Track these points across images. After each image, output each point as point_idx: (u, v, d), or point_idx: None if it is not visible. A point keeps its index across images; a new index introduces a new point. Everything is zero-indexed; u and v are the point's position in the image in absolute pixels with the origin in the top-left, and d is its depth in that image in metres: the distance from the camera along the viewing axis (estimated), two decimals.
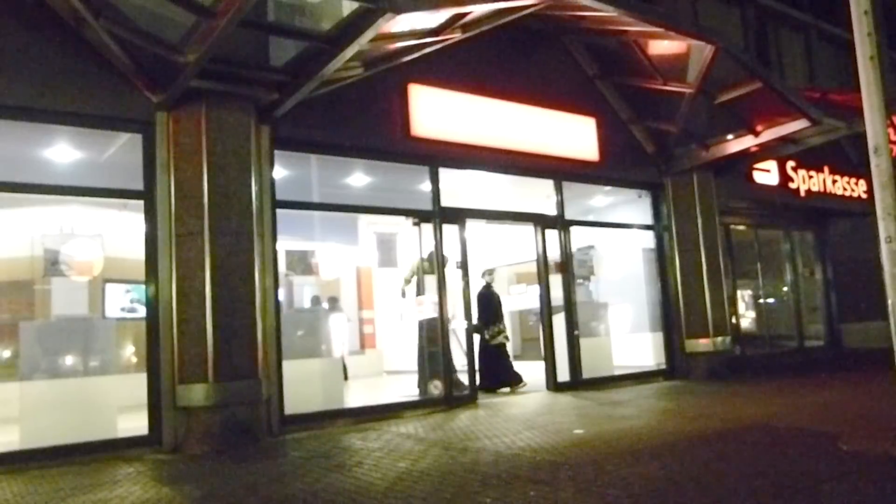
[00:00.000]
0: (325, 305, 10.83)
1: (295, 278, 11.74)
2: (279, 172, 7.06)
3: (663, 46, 8.57)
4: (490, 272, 9.99)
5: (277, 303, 6.79)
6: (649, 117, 10.04)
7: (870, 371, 9.58)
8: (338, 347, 10.12)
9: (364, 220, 11.65)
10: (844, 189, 13.33)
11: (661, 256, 10.66)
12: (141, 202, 6.30)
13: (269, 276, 6.58)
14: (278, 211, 6.89)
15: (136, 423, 6.08)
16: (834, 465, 4.45)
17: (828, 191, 13.04)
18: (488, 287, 9.85)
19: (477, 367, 8.72)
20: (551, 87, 9.33)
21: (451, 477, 4.49)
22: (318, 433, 6.57)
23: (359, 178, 8.58)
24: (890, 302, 4.92)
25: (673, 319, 10.43)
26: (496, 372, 9.30)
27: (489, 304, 9.66)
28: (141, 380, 6.12)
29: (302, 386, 6.94)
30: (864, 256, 12.31)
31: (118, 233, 6.90)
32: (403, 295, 9.42)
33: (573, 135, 9.43)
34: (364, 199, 8.66)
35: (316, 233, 10.10)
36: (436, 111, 8.07)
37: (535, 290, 9.49)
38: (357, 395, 9.03)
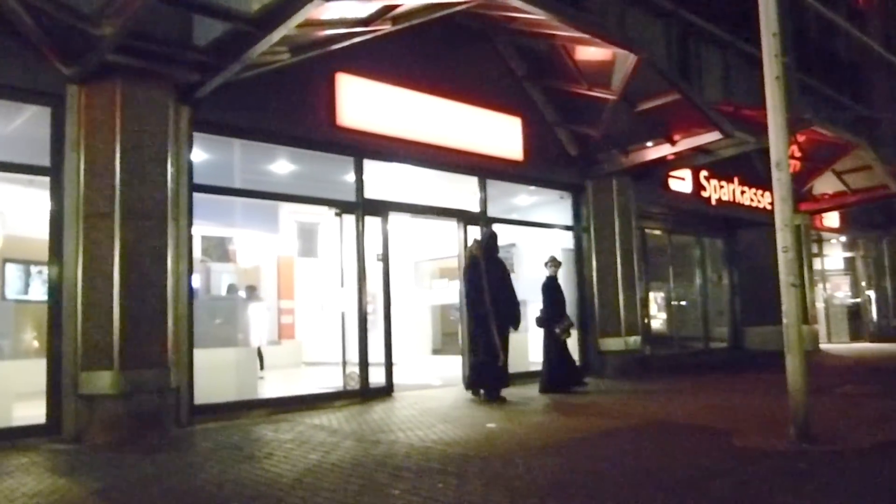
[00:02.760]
0: (243, 294, 10.58)
1: (212, 265, 11.46)
2: (198, 155, 6.85)
3: (590, 53, 8.80)
4: (555, 261, 9.06)
5: (191, 289, 6.60)
6: (574, 120, 10.29)
7: (766, 371, 10.15)
8: (255, 337, 9.93)
9: (286, 208, 11.44)
10: (752, 200, 14.06)
11: (580, 257, 10.96)
12: (47, 179, 6.00)
13: (182, 261, 6.37)
14: (196, 195, 6.69)
15: (34, 412, 5.80)
16: (727, 459, 4.72)
17: (737, 201, 13.72)
18: (555, 277, 8.98)
19: (550, 364, 8.75)
20: (479, 85, 9.42)
21: (361, 469, 4.50)
22: (229, 424, 6.43)
23: (282, 165, 8.42)
24: (784, 308, 5.25)
25: (588, 318, 10.75)
26: (568, 369, 8.82)
27: (558, 295, 8.91)
28: (41, 366, 5.84)
29: (214, 375, 6.78)
30: (767, 264, 12.96)
31: (21, 210, 6.54)
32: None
33: (499, 133, 9.56)
34: (286, 188, 8.48)
35: (235, 219, 9.87)
36: (363, 102, 8.01)
37: (457, 285, 9.57)
38: (273, 386, 8.88)
